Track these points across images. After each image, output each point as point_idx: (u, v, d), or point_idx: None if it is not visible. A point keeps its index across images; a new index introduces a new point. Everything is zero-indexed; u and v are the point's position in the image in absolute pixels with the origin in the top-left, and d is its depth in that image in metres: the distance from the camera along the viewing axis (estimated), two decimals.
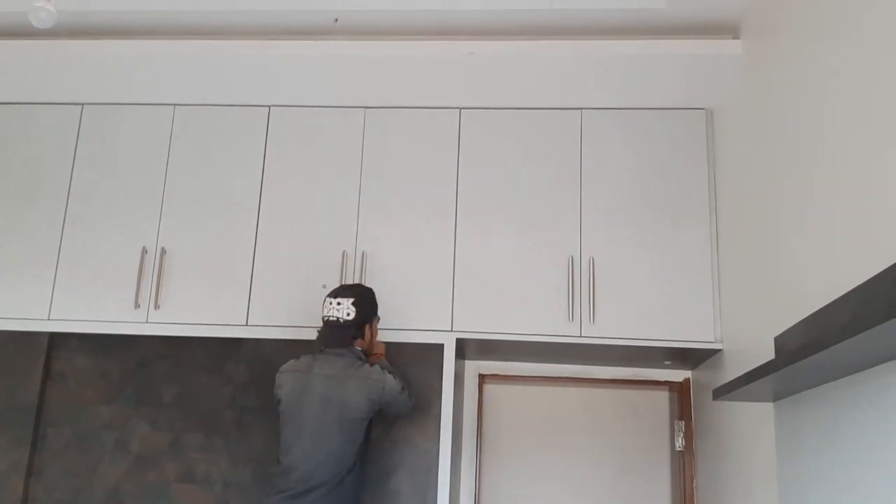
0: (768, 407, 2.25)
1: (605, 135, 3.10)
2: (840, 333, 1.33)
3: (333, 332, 2.67)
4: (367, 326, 2.73)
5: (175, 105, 3.28)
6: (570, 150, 3.10)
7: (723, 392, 2.08)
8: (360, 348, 2.70)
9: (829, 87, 1.90)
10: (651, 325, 2.91)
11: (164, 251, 3.10)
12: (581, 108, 3.12)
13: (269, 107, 3.23)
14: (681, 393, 3.33)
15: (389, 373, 2.66)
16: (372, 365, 2.68)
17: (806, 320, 1.89)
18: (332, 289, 2.79)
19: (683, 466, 3.23)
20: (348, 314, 2.66)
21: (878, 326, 1.20)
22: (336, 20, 2.80)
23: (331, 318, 2.66)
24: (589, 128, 3.11)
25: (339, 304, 2.67)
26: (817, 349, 1.43)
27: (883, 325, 1.19)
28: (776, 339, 2.12)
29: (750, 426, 2.46)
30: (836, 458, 1.76)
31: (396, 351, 2.96)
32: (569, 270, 2.98)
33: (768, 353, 2.24)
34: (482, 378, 3.50)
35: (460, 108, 3.17)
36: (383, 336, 2.92)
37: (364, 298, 2.72)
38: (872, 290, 1.53)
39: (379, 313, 2.83)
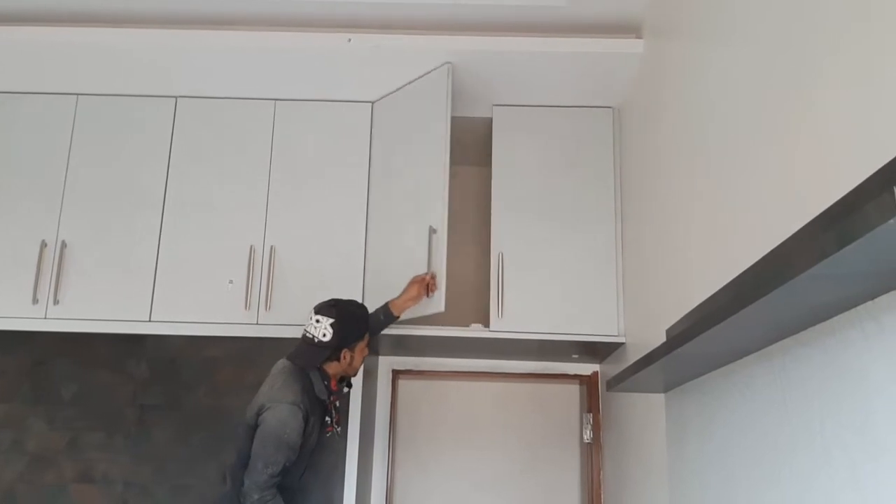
0: (661, 398, 2.31)
1: (515, 131, 3.13)
2: (707, 323, 1.37)
3: (303, 351, 2.46)
4: (347, 351, 2.49)
5: (78, 94, 3.17)
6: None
7: (614, 383, 2.12)
8: (329, 372, 2.49)
9: (716, 88, 1.96)
10: (558, 319, 2.94)
11: (64, 244, 3.00)
12: (491, 104, 3.14)
13: (176, 98, 3.16)
14: (589, 386, 3.39)
15: (285, 425, 2.33)
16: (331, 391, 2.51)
17: (690, 313, 1.95)
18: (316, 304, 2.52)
19: (591, 458, 3.29)
20: (324, 335, 2.43)
21: (732, 316, 1.24)
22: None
23: (307, 335, 2.46)
24: (500, 124, 3.14)
25: (317, 321, 2.45)
26: (687, 339, 1.47)
27: (738, 314, 1.23)
28: (667, 332, 2.17)
29: (646, 417, 2.52)
30: (712, 443, 1.82)
31: None
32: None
33: None
34: (395, 374, 3.50)
35: (372, 102, 3.16)
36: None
37: (347, 321, 2.47)
38: (737, 284, 1.59)
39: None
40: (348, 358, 2.50)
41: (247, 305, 2.92)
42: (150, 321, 2.92)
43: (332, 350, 2.45)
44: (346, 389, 2.64)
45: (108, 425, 2.95)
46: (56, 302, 2.94)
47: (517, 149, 3.11)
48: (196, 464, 2.93)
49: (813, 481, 1.31)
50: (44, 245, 2.99)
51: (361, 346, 2.55)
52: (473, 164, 3.60)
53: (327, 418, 2.54)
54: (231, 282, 2.96)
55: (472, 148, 3.43)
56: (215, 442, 2.96)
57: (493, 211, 3.05)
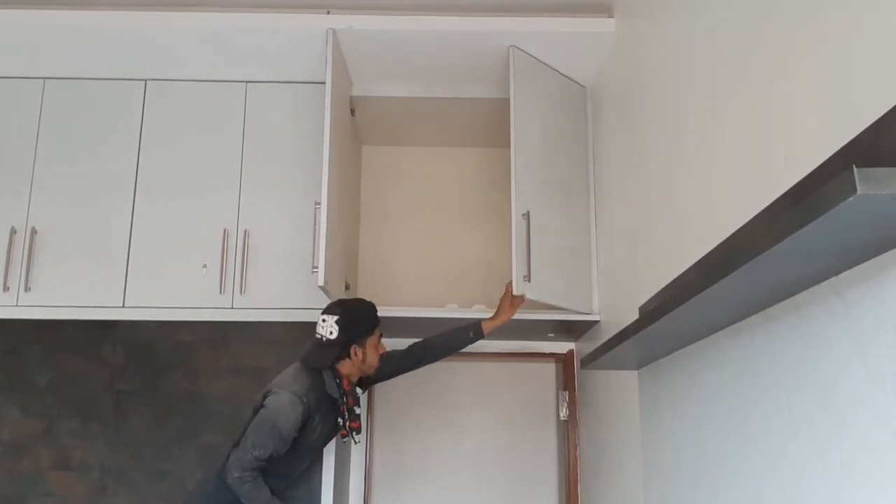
0: (634, 375, 2.34)
1: None
2: (678, 300, 1.39)
3: (313, 351, 2.48)
4: (357, 347, 2.49)
5: (45, 78, 3.12)
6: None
7: (588, 361, 2.14)
8: (342, 372, 2.50)
9: (687, 67, 1.96)
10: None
11: (34, 231, 2.96)
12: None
13: (146, 80, 3.12)
14: (565, 364, 3.42)
15: (282, 412, 2.35)
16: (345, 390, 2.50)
17: (661, 290, 1.97)
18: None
19: (568, 435, 3.33)
20: (331, 333, 2.43)
21: (701, 293, 1.26)
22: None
23: (316, 335, 2.48)
24: None
25: (324, 320, 2.47)
26: (659, 316, 1.49)
27: (706, 291, 1.25)
28: (640, 309, 2.20)
29: (620, 394, 2.55)
30: (684, 419, 1.84)
31: (285, 329, 2.95)
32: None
33: None
34: None
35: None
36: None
37: (351, 317, 2.47)
38: (706, 262, 1.61)
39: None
40: (360, 355, 2.50)
41: (221, 289, 2.91)
42: (123, 307, 2.90)
43: (340, 347, 2.45)
44: (360, 391, 2.63)
45: (83, 412, 2.93)
46: (27, 289, 2.91)
47: None
48: (173, 449, 2.93)
49: (780, 455, 1.33)
50: (13, 232, 2.95)
51: (373, 342, 2.54)
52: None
53: (340, 420, 2.52)
54: (205, 266, 2.94)
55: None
56: (192, 427, 2.95)
57: None
